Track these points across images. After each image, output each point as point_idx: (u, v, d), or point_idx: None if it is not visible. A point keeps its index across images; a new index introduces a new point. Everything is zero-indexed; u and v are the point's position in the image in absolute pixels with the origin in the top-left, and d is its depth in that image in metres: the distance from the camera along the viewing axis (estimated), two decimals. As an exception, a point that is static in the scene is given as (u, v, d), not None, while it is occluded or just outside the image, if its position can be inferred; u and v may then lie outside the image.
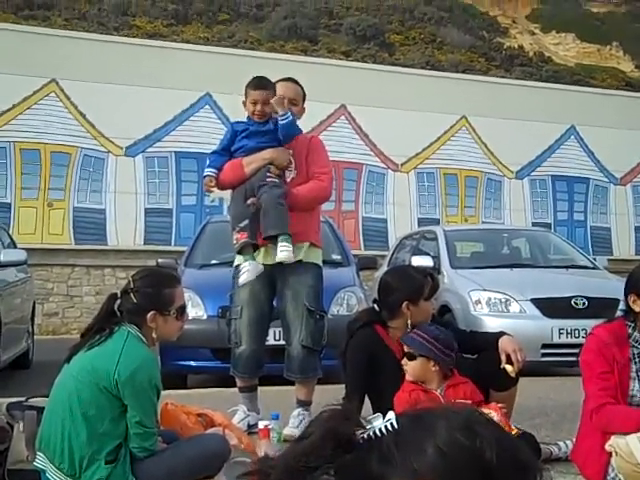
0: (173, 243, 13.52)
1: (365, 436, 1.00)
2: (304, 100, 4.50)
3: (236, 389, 4.52)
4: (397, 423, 1.01)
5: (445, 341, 3.43)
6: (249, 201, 4.19)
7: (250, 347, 4.30)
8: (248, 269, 4.13)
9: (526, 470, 0.99)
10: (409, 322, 3.67)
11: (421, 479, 0.96)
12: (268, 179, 4.17)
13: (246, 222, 4.14)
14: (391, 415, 1.03)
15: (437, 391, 3.38)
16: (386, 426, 1.01)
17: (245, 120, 4.35)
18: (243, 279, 4.16)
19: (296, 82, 4.52)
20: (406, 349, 3.45)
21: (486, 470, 0.95)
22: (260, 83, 4.29)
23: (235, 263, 4.42)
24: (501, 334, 3.79)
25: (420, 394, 3.33)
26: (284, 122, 4.19)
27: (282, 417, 3.97)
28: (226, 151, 4.32)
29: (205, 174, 4.34)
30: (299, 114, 4.43)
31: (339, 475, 0.99)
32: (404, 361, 3.42)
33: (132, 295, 3.18)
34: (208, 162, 4.38)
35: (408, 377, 3.42)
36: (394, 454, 0.97)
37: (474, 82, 17.02)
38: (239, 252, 4.22)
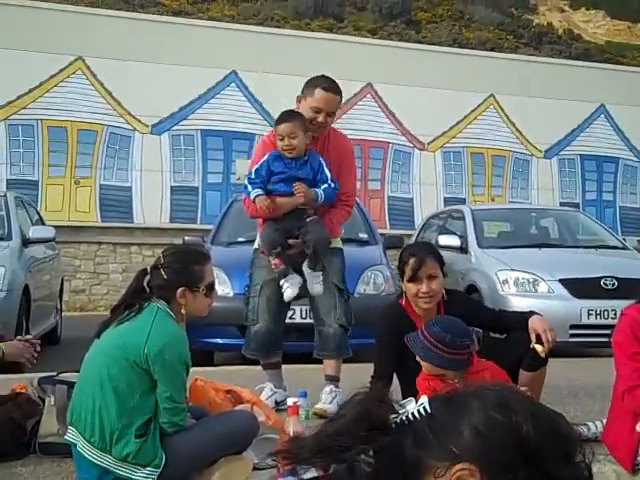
0: (199, 221, 13.57)
1: (398, 420, 1.02)
2: (340, 101, 4.33)
3: (259, 367, 4.53)
4: (430, 407, 1.02)
5: (451, 343, 3.15)
6: (291, 241, 4.13)
7: (267, 325, 4.27)
8: (289, 285, 4.13)
9: (566, 440, 0.98)
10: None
11: (460, 461, 0.96)
12: (308, 219, 4.13)
13: (279, 249, 4.11)
14: (424, 399, 1.04)
15: (455, 381, 3.20)
16: (419, 410, 1.02)
17: (280, 154, 4.15)
18: (287, 295, 4.15)
19: (336, 89, 4.22)
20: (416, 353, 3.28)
21: (524, 444, 0.95)
22: (282, 117, 4.14)
23: (254, 246, 4.44)
24: (531, 314, 3.75)
25: (438, 383, 3.21)
26: (321, 201, 4.11)
27: (309, 394, 3.97)
28: (264, 181, 4.15)
29: (254, 195, 4.10)
30: (332, 122, 4.28)
31: (378, 456, 1.00)
32: (418, 357, 3.27)
33: (162, 271, 3.19)
34: (250, 187, 4.15)
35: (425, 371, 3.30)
36: (430, 438, 0.98)
37: (502, 60, 16.83)
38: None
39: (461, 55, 16.65)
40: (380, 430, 1.01)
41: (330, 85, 4.19)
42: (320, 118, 4.13)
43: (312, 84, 4.20)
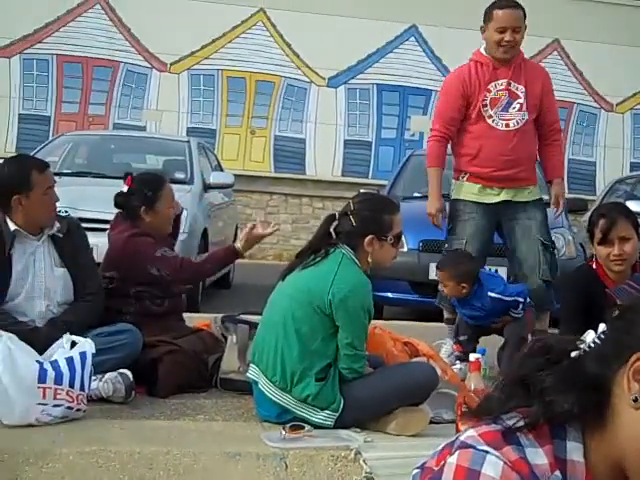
0: (370, 176, 13.53)
1: (581, 352, 1.08)
2: (525, 16, 4.35)
3: (431, 323, 4.51)
4: (606, 330, 1.10)
5: None
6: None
7: None
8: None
9: None
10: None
11: (634, 352, 1.01)
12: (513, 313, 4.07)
13: (465, 337, 4.15)
14: (602, 326, 1.10)
15: None
16: (599, 336, 1.08)
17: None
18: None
19: (514, 4, 4.30)
20: (618, 302, 3.18)
21: None
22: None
23: (452, 197, 4.40)
24: None
25: None
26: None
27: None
28: None
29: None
30: (520, 39, 4.31)
31: (562, 382, 1.05)
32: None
33: (351, 217, 3.15)
34: None
35: None
36: (608, 351, 1.05)
37: None
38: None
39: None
40: (557, 359, 1.07)
41: (506, 2, 4.27)
42: (507, 37, 4.19)
43: (489, 10, 4.29)
